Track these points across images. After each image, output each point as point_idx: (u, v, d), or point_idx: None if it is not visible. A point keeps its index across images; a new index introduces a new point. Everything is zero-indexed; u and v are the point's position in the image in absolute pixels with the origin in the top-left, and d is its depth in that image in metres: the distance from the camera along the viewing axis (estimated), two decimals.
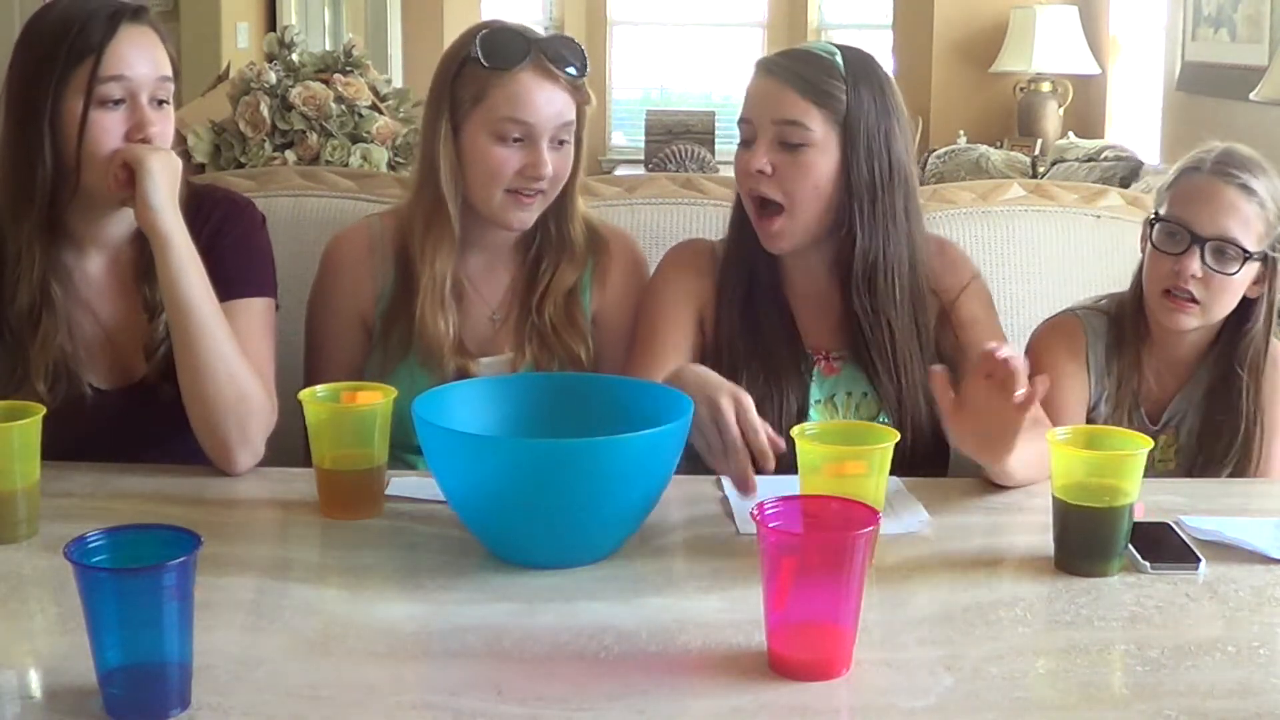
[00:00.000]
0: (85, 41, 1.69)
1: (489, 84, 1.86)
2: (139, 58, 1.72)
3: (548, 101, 1.85)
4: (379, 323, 1.97)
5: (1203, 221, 1.84)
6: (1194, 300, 1.86)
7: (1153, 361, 1.94)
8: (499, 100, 1.85)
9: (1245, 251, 1.84)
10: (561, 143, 1.88)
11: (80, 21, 1.70)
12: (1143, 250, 1.94)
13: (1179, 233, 1.86)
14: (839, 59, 1.83)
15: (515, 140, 1.85)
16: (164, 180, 1.69)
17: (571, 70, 1.87)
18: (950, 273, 1.93)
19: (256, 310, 1.82)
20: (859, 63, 1.85)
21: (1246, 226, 1.84)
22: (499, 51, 1.86)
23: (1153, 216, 1.92)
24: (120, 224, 1.81)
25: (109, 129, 1.71)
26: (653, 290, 1.96)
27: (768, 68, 1.85)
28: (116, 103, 1.71)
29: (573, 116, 1.88)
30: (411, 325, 1.91)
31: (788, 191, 1.82)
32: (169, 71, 1.76)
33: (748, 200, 1.87)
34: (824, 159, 1.82)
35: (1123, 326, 1.95)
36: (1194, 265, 1.84)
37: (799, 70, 1.83)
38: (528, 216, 1.90)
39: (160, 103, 1.75)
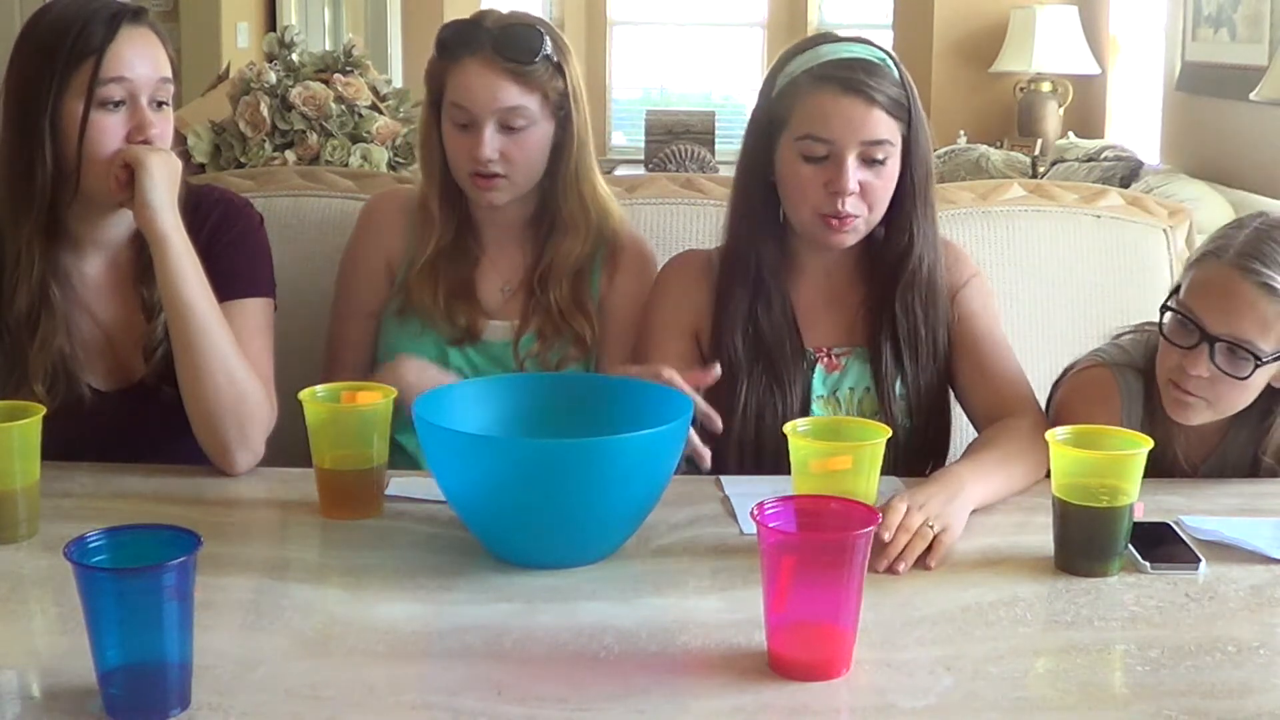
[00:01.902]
0: (85, 43, 1.69)
1: (445, 74, 1.96)
2: (139, 59, 1.72)
3: (486, 88, 1.91)
4: (401, 274, 2.04)
5: (1214, 319, 1.67)
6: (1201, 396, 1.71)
7: (1186, 426, 1.79)
8: (451, 89, 1.95)
9: (1258, 357, 1.67)
10: (513, 128, 1.93)
11: (80, 23, 1.70)
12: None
13: (1189, 325, 1.70)
14: (891, 63, 1.83)
15: (465, 125, 1.94)
16: (163, 181, 1.70)
17: (517, 60, 1.92)
18: (949, 272, 1.93)
19: (255, 310, 1.82)
20: (900, 63, 1.85)
21: (1264, 328, 1.66)
22: (448, 43, 1.96)
23: (1168, 296, 1.76)
24: (119, 225, 1.81)
25: (110, 130, 1.71)
26: (649, 305, 1.97)
27: (850, 85, 1.78)
28: (117, 104, 1.71)
29: (519, 103, 1.92)
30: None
31: (872, 203, 1.82)
32: (169, 73, 1.76)
33: (822, 217, 1.81)
34: (896, 164, 1.83)
35: (1156, 394, 1.78)
36: (1201, 365, 1.68)
37: (879, 87, 1.79)
38: (495, 197, 1.97)
39: (160, 104, 1.75)
